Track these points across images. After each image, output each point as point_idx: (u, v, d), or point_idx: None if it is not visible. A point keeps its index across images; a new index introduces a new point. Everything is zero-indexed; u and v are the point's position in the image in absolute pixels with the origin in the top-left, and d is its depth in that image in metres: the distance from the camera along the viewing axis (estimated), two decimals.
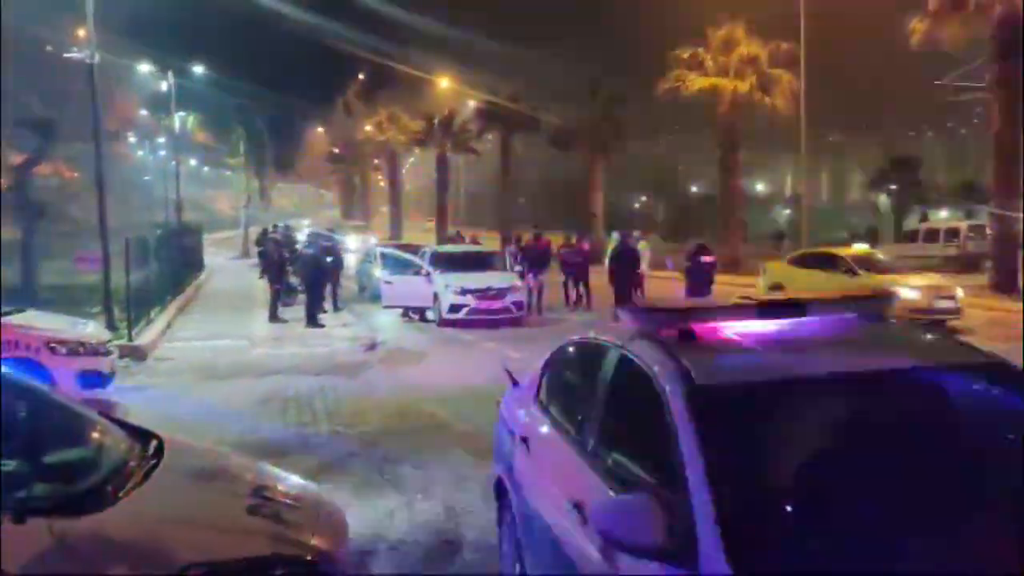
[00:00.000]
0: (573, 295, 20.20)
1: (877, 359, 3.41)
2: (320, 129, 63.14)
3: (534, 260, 19.88)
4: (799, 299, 3.84)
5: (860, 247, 20.38)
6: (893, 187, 44.80)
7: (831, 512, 2.75)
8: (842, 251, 18.68)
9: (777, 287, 17.87)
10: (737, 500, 2.74)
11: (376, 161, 71.89)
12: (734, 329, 3.65)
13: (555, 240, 22.40)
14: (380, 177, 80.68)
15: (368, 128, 61.22)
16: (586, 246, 21.06)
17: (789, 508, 2.82)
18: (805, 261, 18.64)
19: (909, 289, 15.83)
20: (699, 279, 16.55)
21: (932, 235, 31.72)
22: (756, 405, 3.12)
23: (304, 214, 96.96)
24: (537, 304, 19.33)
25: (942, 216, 41.33)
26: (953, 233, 30.91)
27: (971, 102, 30.26)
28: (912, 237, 32.69)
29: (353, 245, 30.19)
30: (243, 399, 10.50)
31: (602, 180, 42.99)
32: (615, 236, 20.27)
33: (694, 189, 70.33)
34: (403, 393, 10.85)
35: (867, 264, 17.28)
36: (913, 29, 23.24)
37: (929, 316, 15.10)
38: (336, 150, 73.73)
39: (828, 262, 17.58)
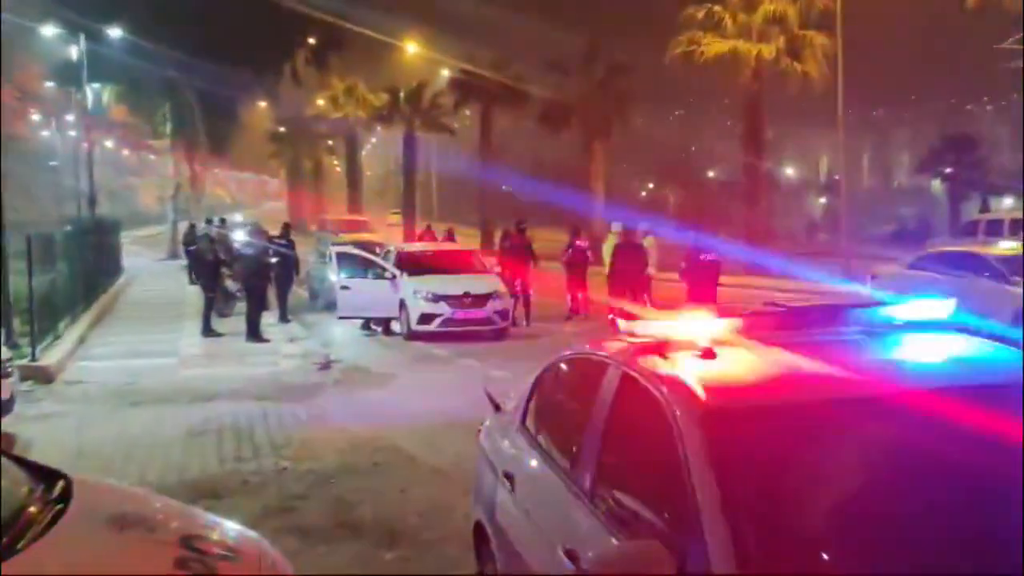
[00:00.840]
0: (569, 301, 20.20)
1: (928, 376, 3.42)
2: (263, 104, 62.90)
3: (517, 260, 19.83)
4: (836, 305, 3.86)
5: (1009, 245, 18.30)
6: (948, 170, 45.16)
7: (872, 557, 2.75)
8: (986, 250, 17.49)
9: None
10: (762, 546, 2.74)
11: (330, 143, 71.83)
12: (758, 341, 3.66)
13: (552, 236, 22.39)
14: (335, 162, 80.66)
15: (321, 103, 61.13)
16: (583, 243, 21.06)
17: (825, 556, 2.82)
18: (937, 264, 17.14)
19: None
20: (700, 281, 16.39)
21: (995, 227, 31.91)
22: (783, 431, 3.13)
23: (244, 206, 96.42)
24: (524, 313, 19.33)
25: (1006, 204, 41.66)
26: (1020, 224, 31.12)
27: None
28: (971, 229, 32.89)
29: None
30: (170, 430, 10.45)
31: (602, 164, 43.11)
32: (615, 228, 20.22)
33: (711, 174, 70.71)
34: (363, 421, 10.81)
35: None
36: None
37: None
38: (282, 129, 73.60)
39: (969, 265, 16.19)
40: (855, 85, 30.50)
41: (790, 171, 73.53)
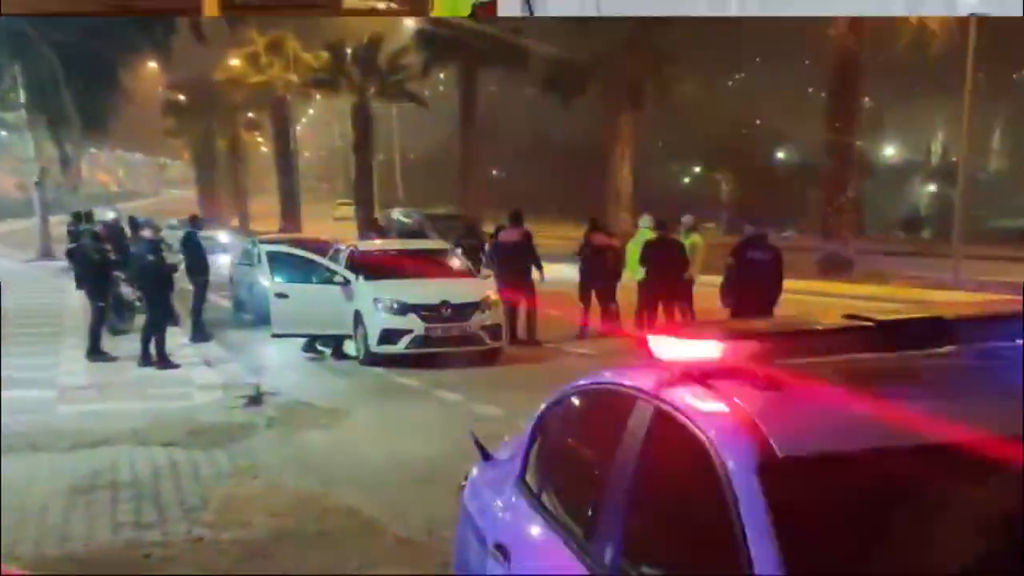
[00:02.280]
0: (584, 315, 20.29)
1: None
2: (152, 64, 62.14)
3: (509, 260, 19.87)
4: (941, 319, 3.86)
5: None
6: None
7: None
8: None
9: None
10: None
11: (251, 115, 71.69)
12: (837, 368, 3.69)
13: (561, 232, 22.38)
14: (260, 139, 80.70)
15: (234, 64, 60.89)
16: (603, 239, 21.08)
17: None
18: None
19: None
20: (747, 285, 16.17)
21: None
22: (867, 487, 3.15)
23: (137, 195, 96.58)
24: (516, 326, 19.41)
25: None
26: None
27: None
28: None
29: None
30: (46, 486, 10.45)
31: (631, 143, 43.03)
32: (644, 224, 20.28)
33: (780, 155, 70.65)
34: (306, 475, 10.87)
35: None
36: None
37: None
38: (182, 98, 73.24)
39: None
40: (989, 37, 30.22)
41: (889, 151, 73.31)
